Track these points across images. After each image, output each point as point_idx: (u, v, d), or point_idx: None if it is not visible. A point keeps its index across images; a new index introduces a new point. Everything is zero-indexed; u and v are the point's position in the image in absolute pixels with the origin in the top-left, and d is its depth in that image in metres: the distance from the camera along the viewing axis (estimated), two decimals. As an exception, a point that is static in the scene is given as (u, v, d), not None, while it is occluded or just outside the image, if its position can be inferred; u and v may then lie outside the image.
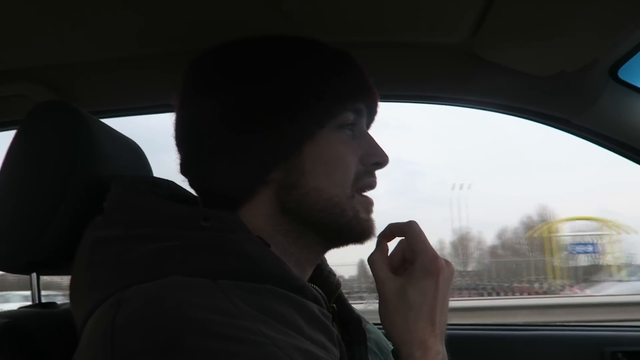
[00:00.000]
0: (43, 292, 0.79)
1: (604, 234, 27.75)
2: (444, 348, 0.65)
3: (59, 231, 0.68)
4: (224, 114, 0.65)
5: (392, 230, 0.70)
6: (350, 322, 0.74)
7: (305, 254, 0.68)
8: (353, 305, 0.79)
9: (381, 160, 0.70)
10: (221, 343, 0.46)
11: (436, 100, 1.16)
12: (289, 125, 0.64)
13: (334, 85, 0.66)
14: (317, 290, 0.62)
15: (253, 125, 0.64)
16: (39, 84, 1.02)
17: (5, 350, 0.62)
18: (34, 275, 0.77)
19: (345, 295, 0.79)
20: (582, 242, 27.87)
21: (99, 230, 0.61)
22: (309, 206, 0.64)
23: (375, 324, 0.85)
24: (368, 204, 0.70)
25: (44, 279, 0.80)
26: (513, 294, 19.62)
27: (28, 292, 0.77)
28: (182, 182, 0.72)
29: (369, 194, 0.71)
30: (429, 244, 0.66)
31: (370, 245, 0.71)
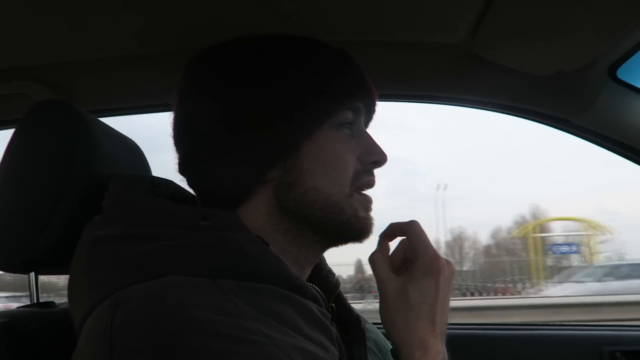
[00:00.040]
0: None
1: (587, 235, 27.90)
2: (445, 348, 0.65)
3: (57, 230, 0.68)
4: (222, 113, 0.65)
5: (393, 229, 0.70)
6: (349, 321, 0.74)
7: (303, 253, 0.68)
8: (352, 305, 0.79)
9: (379, 158, 0.70)
10: (221, 342, 0.46)
11: (436, 100, 1.16)
12: (288, 125, 0.64)
13: (333, 85, 0.66)
14: (316, 290, 0.62)
15: (251, 125, 0.64)
16: (38, 82, 1.02)
17: (3, 350, 0.62)
18: (32, 274, 0.77)
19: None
20: (565, 242, 28.10)
21: (97, 230, 0.61)
22: (308, 205, 0.64)
23: (374, 324, 0.85)
24: (367, 202, 0.70)
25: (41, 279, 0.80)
26: (495, 294, 19.82)
27: (8, 293, 0.77)
28: (181, 181, 0.72)
29: (367, 192, 0.71)
30: (430, 243, 0.66)
31: (368, 244, 0.71)
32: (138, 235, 0.58)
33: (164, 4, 0.78)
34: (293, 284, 0.57)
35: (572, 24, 0.84)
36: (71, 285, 0.61)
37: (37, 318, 0.69)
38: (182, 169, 0.70)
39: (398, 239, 0.71)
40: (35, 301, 0.78)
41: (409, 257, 0.69)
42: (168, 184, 0.74)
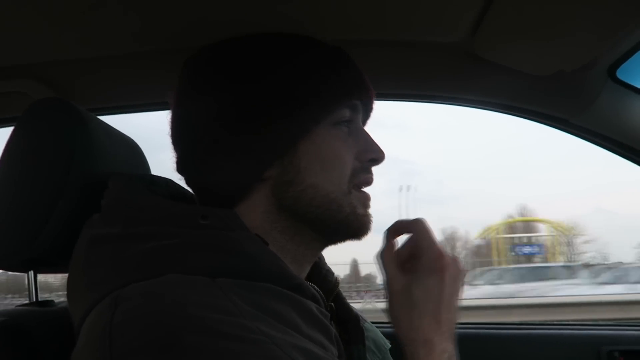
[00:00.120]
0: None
1: (551, 236, 27.98)
2: (452, 346, 0.64)
3: (56, 229, 0.67)
4: (220, 111, 0.65)
5: (399, 226, 0.70)
6: (348, 320, 0.74)
7: (302, 251, 0.68)
8: (351, 304, 0.79)
9: (377, 156, 0.70)
10: (220, 341, 0.46)
11: (435, 99, 1.16)
12: (286, 123, 0.64)
13: (330, 82, 0.66)
14: (315, 289, 0.62)
15: (249, 123, 0.64)
16: (37, 80, 1.02)
17: (2, 349, 0.62)
18: (31, 273, 0.77)
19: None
20: (529, 243, 28.26)
21: (96, 228, 0.61)
22: (306, 203, 0.64)
23: (373, 323, 0.85)
24: (365, 199, 0.70)
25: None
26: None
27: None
28: (179, 180, 0.72)
29: (365, 190, 0.71)
30: (435, 241, 0.66)
31: (365, 243, 0.71)
32: (137, 234, 0.58)
33: (164, 3, 0.78)
34: (292, 283, 0.57)
35: (571, 24, 0.84)
36: (70, 284, 0.61)
37: (36, 317, 0.69)
38: (180, 168, 0.70)
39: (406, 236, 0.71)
40: (34, 300, 0.78)
41: (416, 254, 0.68)
42: (167, 182, 0.74)
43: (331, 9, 0.82)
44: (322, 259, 0.79)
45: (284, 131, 0.64)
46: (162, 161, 0.75)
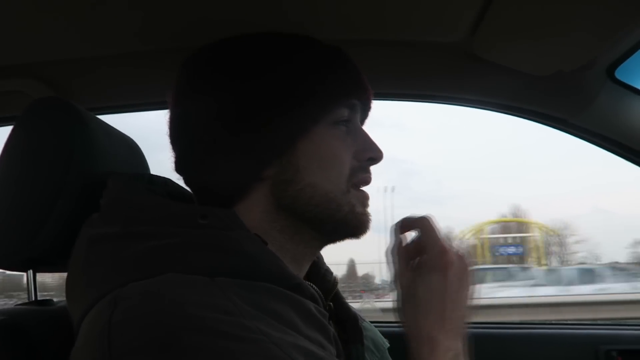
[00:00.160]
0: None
1: (531, 236, 28.02)
2: (459, 344, 0.63)
3: (55, 228, 0.67)
4: (218, 111, 0.65)
5: (406, 223, 0.69)
6: (346, 320, 0.74)
7: (301, 250, 0.68)
8: (350, 304, 0.79)
9: (375, 155, 0.70)
10: (219, 341, 0.46)
11: (434, 99, 1.16)
12: (284, 122, 0.64)
13: (328, 82, 0.67)
14: (314, 289, 0.62)
15: (248, 122, 0.64)
16: (36, 80, 1.02)
17: (1, 348, 0.62)
18: (30, 272, 0.77)
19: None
20: (510, 243, 28.35)
21: (95, 228, 0.61)
22: (305, 202, 0.65)
23: (371, 322, 0.85)
24: (364, 198, 0.70)
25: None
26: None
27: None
28: (178, 179, 0.72)
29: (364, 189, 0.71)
30: (439, 238, 0.65)
31: (361, 243, 0.71)
32: (136, 234, 0.58)
33: (163, 3, 0.78)
34: (291, 283, 0.57)
35: (570, 24, 0.84)
36: (69, 283, 0.61)
37: (35, 316, 0.69)
38: (179, 168, 0.70)
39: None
40: (33, 299, 0.78)
41: (420, 251, 0.68)
42: (166, 182, 0.74)
43: (330, 8, 0.82)
44: (320, 258, 0.79)
45: (282, 130, 0.64)
46: (161, 161, 0.75)
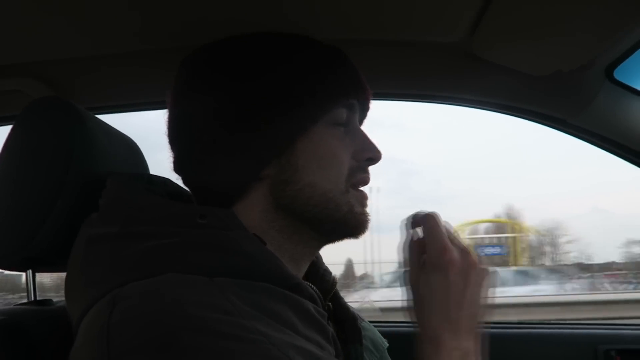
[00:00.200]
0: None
1: (513, 236, 28.09)
2: (469, 344, 0.61)
3: (55, 228, 0.67)
4: (217, 110, 0.65)
5: (414, 219, 0.68)
6: (345, 320, 0.74)
7: (300, 250, 0.68)
8: (349, 303, 0.79)
9: (374, 155, 0.70)
10: (218, 341, 0.46)
11: (433, 99, 1.16)
12: (283, 121, 0.64)
13: (328, 82, 0.67)
14: (312, 289, 0.62)
15: (246, 122, 0.64)
16: (36, 79, 1.02)
17: (1, 348, 0.62)
18: (30, 272, 0.77)
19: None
20: (491, 244, 28.43)
21: (94, 228, 0.61)
22: (304, 202, 0.65)
23: (371, 322, 0.85)
24: (363, 198, 0.70)
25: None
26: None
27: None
28: (177, 179, 0.72)
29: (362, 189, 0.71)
30: (441, 236, 0.63)
31: (358, 243, 0.71)
32: (135, 233, 0.58)
33: (163, 2, 0.78)
34: (290, 283, 0.57)
35: (569, 24, 0.84)
36: (68, 283, 0.61)
37: (34, 316, 0.69)
38: (177, 167, 0.70)
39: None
40: (32, 299, 0.78)
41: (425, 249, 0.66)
42: (165, 182, 0.74)
43: (329, 8, 0.82)
44: (319, 258, 0.79)
45: (281, 129, 0.64)
46: (160, 161, 0.75)
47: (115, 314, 0.49)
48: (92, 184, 0.68)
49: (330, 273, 0.77)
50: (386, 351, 0.80)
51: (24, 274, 0.77)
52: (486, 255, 28.06)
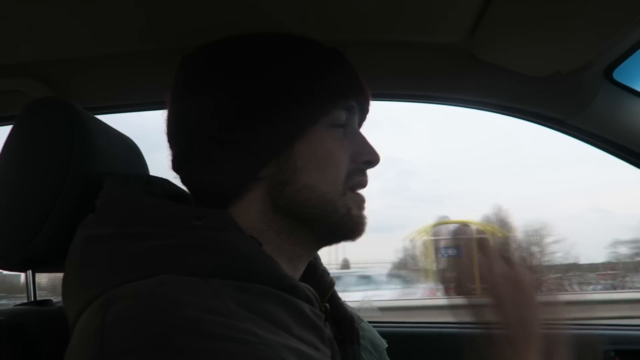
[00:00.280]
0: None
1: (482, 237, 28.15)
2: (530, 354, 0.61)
3: (54, 228, 0.68)
4: (216, 110, 0.65)
5: (454, 237, 0.69)
6: (343, 321, 0.74)
7: (297, 251, 0.68)
8: (347, 304, 0.79)
9: (372, 158, 0.70)
10: (212, 342, 0.46)
11: (432, 100, 1.16)
12: (282, 122, 0.64)
13: (326, 83, 0.67)
14: (309, 290, 0.62)
15: (245, 122, 0.64)
16: (35, 79, 1.02)
17: (1, 348, 0.62)
18: (30, 272, 0.77)
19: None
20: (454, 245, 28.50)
21: (90, 229, 0.61)
22: (301, 203, 0.65)
23: (370, 322, 0.85)
24: (360, 200, 0.70)
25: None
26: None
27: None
28: (175, 178, 0.72)
29: (361, 191, 0.71)
30: (491, 267, 0.64)
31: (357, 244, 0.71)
32: (131, 234, 0.58)
33: (162, 2, 0.78)
34: (286, 284, 0.57)
35: (568, 25, 0.84)
36: (65, 283, 0.61)
37: (34, 316, 0.69)
38: (176, 166, 0.70)
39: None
40: (32, 299, 0.78)
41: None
42: (163, 182, 0.74)
43: (329, 9, 0.82)
44: (318, 259, 0.79)
45: (280, 130, 0.64)
46: (159, 160, 0.75)
47: (110, 315, 0.49)
48: (91, 184, 0.68)
49: (329, 274, 0.77)
50: (385, 352, 0.80)
51: (21, 275, 0.78)
52: (444, 256, 28.33)
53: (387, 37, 0.93)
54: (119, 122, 0.93)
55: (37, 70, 1.00)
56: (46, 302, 0.77)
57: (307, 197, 0.64)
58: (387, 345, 0.82)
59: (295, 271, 0.69)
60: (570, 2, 0.78)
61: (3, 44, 0.91)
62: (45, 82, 1.03)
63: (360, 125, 0.75)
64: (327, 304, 0.72)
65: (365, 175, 0.70)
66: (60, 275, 0.63)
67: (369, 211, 0.71)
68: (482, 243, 0.65)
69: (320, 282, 0.75)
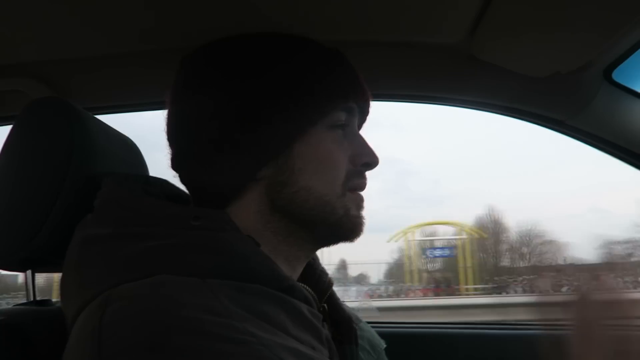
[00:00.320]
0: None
1: (460, 238, 28.28)
2: None
3: (54, 228, 0.68)
4: (215, 110, 0.65)
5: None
6: (341, 321, 0.74)
7: (295, 252, 0.68)
8: (345, 304, 0.79)
9: (371, 160, 0.70)
10: (209, 342, 0.47)
11: (432, 101, 1.16)
12: (281, 123, 0.64)
13: (326, 84, 0.67)
14: (307, 290, 0.62)
15: (244, 122, 0.64)
16: (35, 79, 1.02)
17: (0, 347, 0.62)
18: (29, 272, 0.77)
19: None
20: (439, 246, 28.63)
21: (89, 229, 0.61)
22: (300, 204, 0.65)
23: (368, 323, 0.85)
24: (360, 200, 0.70)
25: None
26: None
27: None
28: (174, 177, 0.72)
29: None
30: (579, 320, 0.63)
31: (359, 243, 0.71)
32: (129, 235, 0.58)
33: (162, 3, 0.78)
34: (284, 285, 0.57)
35: (568, 26, 0.84)
36: (63, 283, 0.61)
37: (34, 316, 0.69)
38: (175, 166, 0.70)
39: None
40: (32, 299, 0.78)
41: None
42: (162, 183, 0.74)
43: (329, 9, 0.82)
44: (316, 259, 0.79)
45: (279, 131, 0.64)
46: (158, 160, 0.75)
47: (107, 316, 0.49)
48: (91, 184, 0.68)
49: (327, 274, 0.77)
50: (384, 352, 0.80)
51: (19, 275, 0.78)
52: (434, 257, 28.49)
53: (387, 38, 0.94)
54: (119, 122, 0.93)
55: (37, 70, 1.01)
56: (46, 302, 0.77)
57: (305, 198, 0.64)
58: (385, 346, 0.82)
59: (293, 272, 0.69)
60: (569, 3, 0.78)
61: (3, 44, 0.91)
62: (45, 82, 1.03)
63: (360, 126, 0.75)
64: (325, 305, 0.72)
65: (364, 178, 0.70)
66: (56, 275, 0.63)
67: (368, 211, 0.71)
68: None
69: (319, 282, 0.75)
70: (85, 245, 0.60)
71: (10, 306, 0.77)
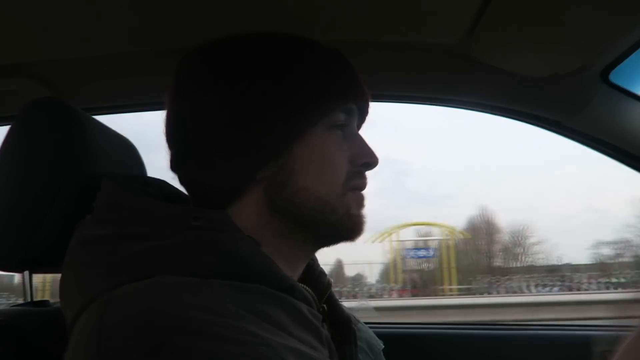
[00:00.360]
0: None
1: (442, 239, 28.42)
2: None
3: (52, 229, 0.68)
4: (214, 111, 0.65)
5: None
6: (340, 321, 0.74)
7: (295, 253, 0.68)
8: (344, 305, 0.79)
9: (371, 161, 0.70)
10: (210, 342, 0.46)
11: (430, 101, 1.17)
12: (280, 124, 0.64)
13: (326, 84, 0.67)
14: (307, 291, 0.62)
15: (244, 123, 0.64)
16: (33, 79, 1.02)
17: None
18: (27, 273, 0.77)
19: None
20: (422, 247, 28.75)
21: (88, 230, 0.61)
22: (299, 205, 0.65)
23: (366, 323, 0.85)
24: (360, 199, 0.70)
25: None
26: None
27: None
28: (172, 179, 0.72)
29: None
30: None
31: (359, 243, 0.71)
32: (129, 235, 0.58)
33: (159, 3, 0.78)
34: (284, 285, 0.57)
35: (566, 27, 0.84)
36: (63, 284, 0.61)
37: (31, 317, 0.69)
38: (174, 166, 0.70)
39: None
40: (29, 300, 0.78)
41: None
42: (161, 183, 0.74)
43: (327, 10, 0.82)
44: (315, 260, 0.79)
45: (278, 132, 0.64)
46: (157, 161, 0.75)
47: (107, 316, 0.49)
48: (89, 184, 0.68)
49: (326, 275, 0.78)
50: (381, 353, 0.81)
51: (15, 276, 0.78)
52: (414, 257, 28.62)
53: (385, 38, 0.94)
54: (118, 122, 0.93)
55: (36, 71, 1.00)
56: (43, 303, 0.77)
57: (305, 198, 0.64)
58: (383, 346, 0.82)
59: (293, 272, 0.69)
60: (568, 4, 0.79)
61: (2, 44, 0.91)
62: (43, 82, 1.03)
63: (359, 127, 0.75)
64: (324, 305, 0.73)
65: (364, 179, 0.70)
66: (48, 276, 0.62)
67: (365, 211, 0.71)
68: None
69: (318, 282, 0.75)
70: (85, 246, 0.60)
71: (6, 307, 0.77)
